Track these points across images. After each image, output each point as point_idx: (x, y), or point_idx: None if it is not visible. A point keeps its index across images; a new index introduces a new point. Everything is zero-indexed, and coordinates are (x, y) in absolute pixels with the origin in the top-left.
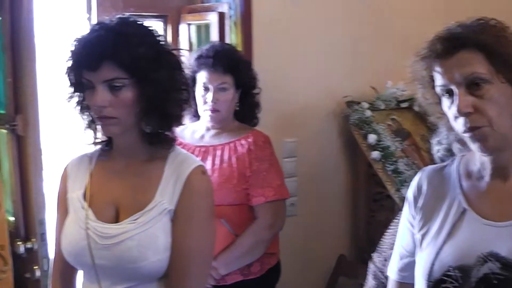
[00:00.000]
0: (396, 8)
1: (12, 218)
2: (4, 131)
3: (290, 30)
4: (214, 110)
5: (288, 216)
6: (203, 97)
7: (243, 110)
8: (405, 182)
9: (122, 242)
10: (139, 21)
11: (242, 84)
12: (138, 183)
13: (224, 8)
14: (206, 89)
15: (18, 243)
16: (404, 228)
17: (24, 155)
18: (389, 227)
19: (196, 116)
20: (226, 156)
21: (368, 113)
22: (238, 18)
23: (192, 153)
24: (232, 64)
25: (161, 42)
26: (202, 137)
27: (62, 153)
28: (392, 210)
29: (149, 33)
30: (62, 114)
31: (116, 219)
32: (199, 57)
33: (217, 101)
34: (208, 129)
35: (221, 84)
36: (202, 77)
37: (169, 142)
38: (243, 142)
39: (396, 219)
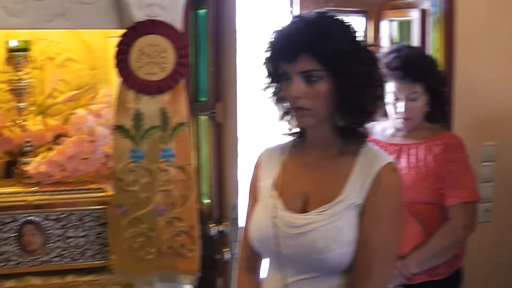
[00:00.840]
0: None
1: (207, 201)
2: (205, 117)
3: (495, 29)
4: (406, 119)
5: (482, 222)
6: (394, 105)
7: (433, 110)
8: None
9: (308, 232)
10: (337, 15)
11: (432, 88)
12: (328, 176)
13: (426, 5)
14: (397, 98)
15: (211, 225)
16: None
17: (222, 142)
18: None
19: (385, 115)
20: (421, 155)
21: None
22: (441, 16)
23: (385, 150)
24: (421, 72)
25: (358, 38)
26: (393, 135)
27: (257, 141)
28: None
29: (348, 28)
30: (259, 104)
31: (304, 210)
32: (386, 67)
33: (409, 110)
34: (398, 129)
35: (412, 94)
36: (391, 86)
37: (362, 137)
38: (438, 142)
39: None
